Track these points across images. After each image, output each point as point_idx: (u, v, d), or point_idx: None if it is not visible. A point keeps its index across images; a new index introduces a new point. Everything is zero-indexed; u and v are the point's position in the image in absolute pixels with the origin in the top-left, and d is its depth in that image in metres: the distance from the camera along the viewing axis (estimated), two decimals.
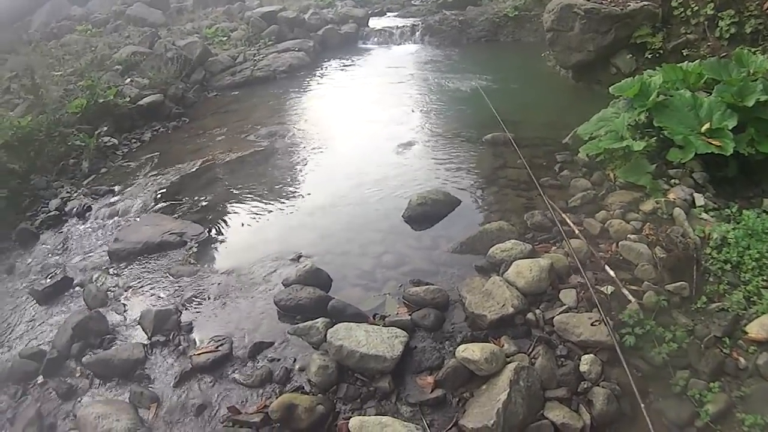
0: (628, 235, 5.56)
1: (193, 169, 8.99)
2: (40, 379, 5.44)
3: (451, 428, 4.17)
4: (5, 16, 21.07)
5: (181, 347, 5.31)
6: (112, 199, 8.53)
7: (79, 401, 5.08)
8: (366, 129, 9.78)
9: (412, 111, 10.51)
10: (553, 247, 5.71)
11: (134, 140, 10.77)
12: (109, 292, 6.30)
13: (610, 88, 7.25)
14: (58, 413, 5.07)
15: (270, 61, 14.24)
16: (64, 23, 19.67)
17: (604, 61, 10.39)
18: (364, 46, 16.10)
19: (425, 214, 6.68)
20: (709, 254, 5.16)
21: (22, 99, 11.73)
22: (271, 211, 7.43)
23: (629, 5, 10.15)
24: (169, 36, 15.80)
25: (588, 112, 7.45)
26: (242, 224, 7.24)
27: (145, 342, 5.47)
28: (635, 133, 6.59)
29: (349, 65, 14.38)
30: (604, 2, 10.35)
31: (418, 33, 16.07)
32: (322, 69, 14.15)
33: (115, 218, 7.98)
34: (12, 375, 5.55)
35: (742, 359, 4.38)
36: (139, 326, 5.69)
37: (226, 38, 15.96)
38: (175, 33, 16.41)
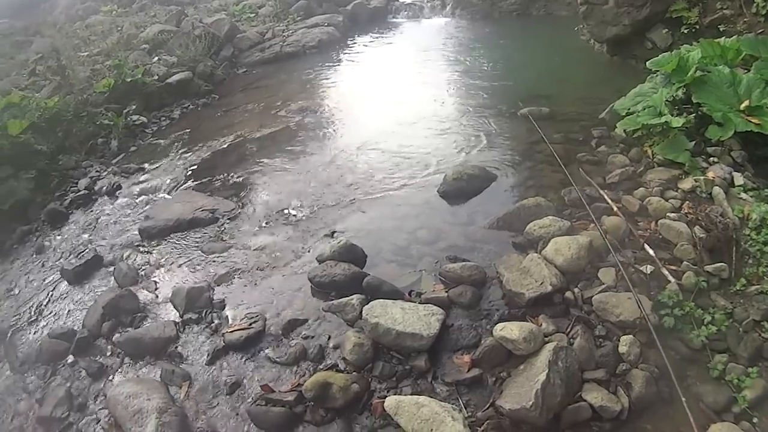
0: (668, 214, 5.43)
1: (224, 146, 8.98)
2: (71, 358, 5.46)
3: (487, 409, 4.10)
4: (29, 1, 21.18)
5: (213, 325, 5.28)
6: (142, 177, 8.53)
7: (110, 380, 5.09)
8: (397, 103, 9.64)
9: (445, 85, 10.34)
10: (591, 225, 5.56)
11: (163, 118, 10.78)
12: (140, 270, 6.29)
13: (647, 63, 7.11)
14: (89, 393, 5.08)
15: (299, 36, 14.12)
16: (89, 4, 19.70)
17: (640, 35, 10.16)
18: (393, 20, 15.91)
19: (461, 189, 6.56)
20: (749, 235, 5.04)
21: (49, 80, 11.82)
22: (303, 187, 7.34)
23: None
24: (196, 14, 15.74)
25: (624, 86, 7.34)
26: (274, 200, 7.15)
27: (177, 320, 5.45)
28: (673, 109, 6.43)
29: (379, 40, 14.25)
30: None
31: (448, 6, 15.80)
32: (351, 44, 14.03)
33: (146, 196, 7.97)
34: (42, 355, 5.57)
35: None
36: (170, 304, 5.68)
37: (253, 15, 15.85)
38: (201, 11, 16.38)
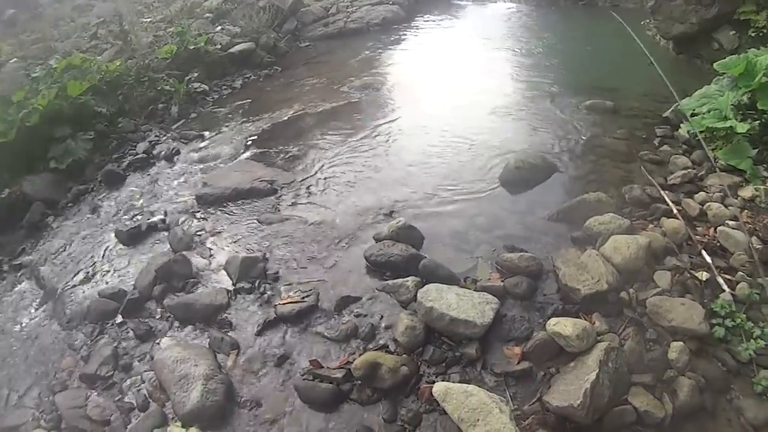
0: (727, 221, 5.35)
1: (285, 118, 9.00)
2: (119, 319, 5.55)
3: (534, 403, 4.11)
4: None
5: (265, 296, 5.33)
6: (201, 144, 8.59)
7: (158, 343, 5.15)
8: (460, 87, 9.52)
9: (506, 72, 10.22)
10: (651, 225, 5.51)
11: (225, 87, 10.83)
12: (195, 236, 6.35)
13: (714, 64, 6.93)
14: (135, 354, 5.16)
15: (363, 13, 14.04)
16: None
17: (707, 35, 9.94)
18: (459, 2, 15.64)
19: (522, 178, 6.50)
20: None
21: (110, 44, 11.97)
22: (363, 164, 7.32)
23: None
24: None
25: (689, 86, 7.22)
26: (334, 175, 7.14)
27: (229, 288, 5.49)
28: (738, 114, 6.32)
29: (444, 21, 14.06)
30: None
31: None
32: (415, 24, 13.88)
33: (204, 163, 8.02)
34: (90, 314, 5.67)
35: None
36: (223, 272, 5.73)
37: None
38: None
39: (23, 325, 6.03)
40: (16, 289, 6.64)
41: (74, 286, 6.25)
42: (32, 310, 6.21)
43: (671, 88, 3.97)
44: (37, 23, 16.95)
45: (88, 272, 6.40)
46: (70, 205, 7.80)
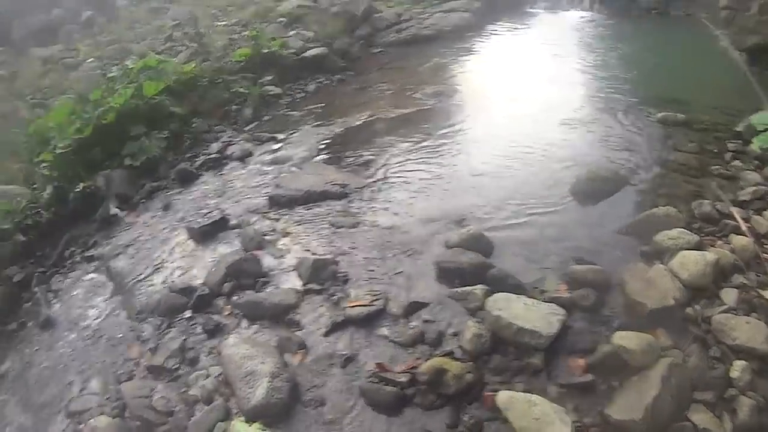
0: None
1: (357, 123, 9.05)
2: (188, 313, 5.68)
3: (595, 415, 4.10)
4: None
5: (334, 298, 5.37)
6: (274, 146, 8.70)
7: (225, 339, 5.21)
8: (531, 97, 9.46)
9: (578, 82, 10.18)
10: (719, 242, 5.45)
11: (298, 90, 10.93)
12: (266, 237, 6.44)
13: None
14: (202, 348, 5.28)
15: (436, 20, 14.04)
16: None
17: None
18: (531, 10, 15.52)
19: (593, 190, 6.45)
20: None
21: (185, 46, 12.23)
22: (434, 172, 7.31)
23: None
24: None
25: (763, 100, 7.04)
26: (405, 181, 7.16)
27: (299, 289, 5.56)
28: None
29: (516, 29, 14.00)
30: None
31: (587, 0, 15.51)
32: (487, 31, 13.79)
33: (277, 165, 8.10)
34: (160, 307, 5.83)
35: None
36: (294, 272, 5.79)
37: None
38: None
39: (93, 315, 6.25)
40: (87, 280, 6.89)
41: (144, 279, 6.45)
42: (102, 302, 6.42)
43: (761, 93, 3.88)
44: (113, 25, 17.47)
45: (158, 267, 6.59)
46: (143, 201, 8.02)
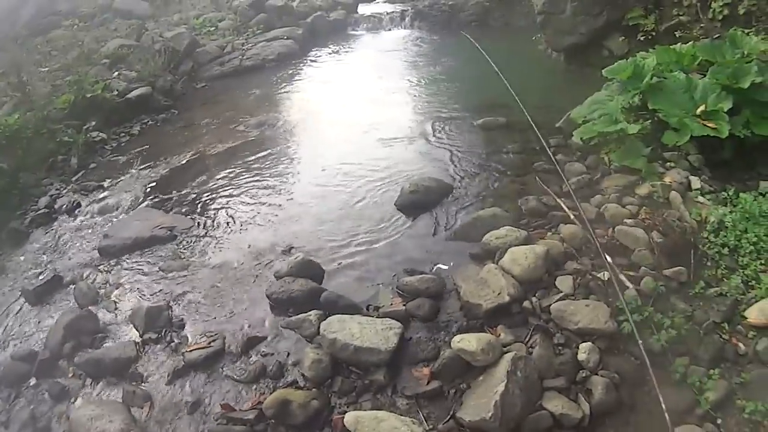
0: (625, 220, 5.54)
1: (183, 162, 8.95)
2: (33, 381, 5.44)
3: (448, 421, 4.14)
4: None
5: (173, 344, 5.29)
6: (102, 195, 8.48)
7: (73, 402, 5.07)
8: (355, 116, 9.69)
9: (402, 98, 10.42)
10: (549, 233, 5.65)
11: (123, 134, 10.65)
12: (100, 290, 6.28)
13: (603, 71, 7.18)
14: (52, 415, 5.07)
15: (259, 50, 14.05)
16: (51, 18, 19.51)
17: (597, 43, 10.31)
18: (353, 32, 15.82)
19: (418, 201, 6.62)
20: (706, 238, 5.15)
21: (9, 97, 11.63)
22: (261, 203, 7.37)
23: None
24: (157, 28, 15.61)
25: (581, 95, 7.41)
26: (233, 216, 7.17)
27: (137, 339, 5.44)
28: (629, 116, 6.54)
29: (339, 52, 14.22)
30: None
31: (407, 18, 15.81)
32: (311, 57, 13.98)
33: (105, 214, 7.93)
34: (5, 378, 5.55)
35: (741, 345, 4.38)
36: (130, 323, 5.66)
37: (214, 28, 15.73)
38: (162, 24, 16.19)
39: None
40: None
41: None
42: None
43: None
44: None
45: None
46: None
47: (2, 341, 6.14)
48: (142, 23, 15.94)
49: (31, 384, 5.41)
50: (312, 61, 13.66)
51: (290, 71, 12.92)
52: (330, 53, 14.10)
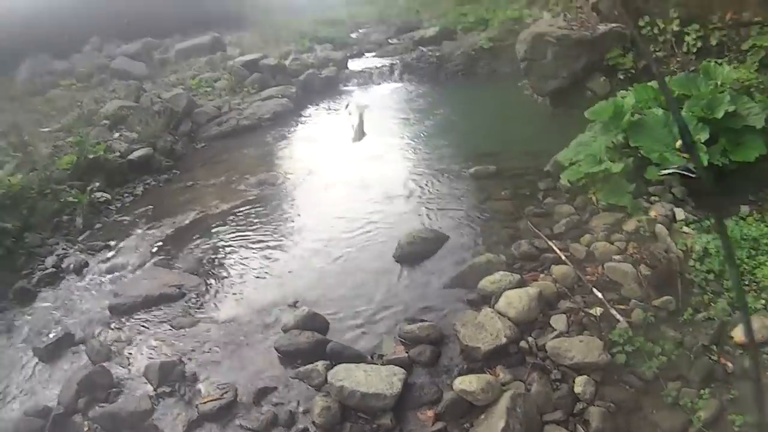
0: (613, 256, 5.77)
1: (187, 221, 9.11)
2: None
3: None
4: None
5: (186, 397, 5.42)
6: (109, 255, 8.62)
7: None
8: (351, 173, 9.91)
9: (395, 151, 10.68)
10: (542, 275, 5.89)
11: (127, 195, 10.83)
12: (112, 347, 6.39)
13: (585, 113, 7.43)
14: None
15: (254, 109, 14.26)
16: (48, 78, 19.74)
17: (580, 85, 10.58)
18: (345, 88, 16.06)
19: (415, 252, 6.87)
20: (693, 266, 5.38)
21: (11, 157, 11.79)
22: (265, 259, 7.57)
23: (599, 29, 10.41)
24: (155, 88, 15.88)
25: (567, 137, 7.65)
26: (238, 273, 7.35)
27: (152, 393, 5.55)
28: (614, 155, 6.76)
29: (332, 108, 14.45)
30: (574, 28, 10.58)
31: (396, 72, 16.13)
32: (306, 114, 14.21)
33: (113, 273, 8.06)
34: None
35: (729, 363, 4.60)
36: (144, 378, 5.77)
37: (210, 88, 16.00)
38: (159, 85, 16.53)
39: None
40: None
41: None
42: None
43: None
44: None
45: (10, 391, 6.35)
46: None
47: (14, 397, 6.23)
48: (139, 84, 16.17)
49: None
50: (306, 118, 13.89)
51: (286, 129, 13.15)
52: (323, 110, 14.36)
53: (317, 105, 14.63)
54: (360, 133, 11.70)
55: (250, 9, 27.70)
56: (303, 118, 13.86)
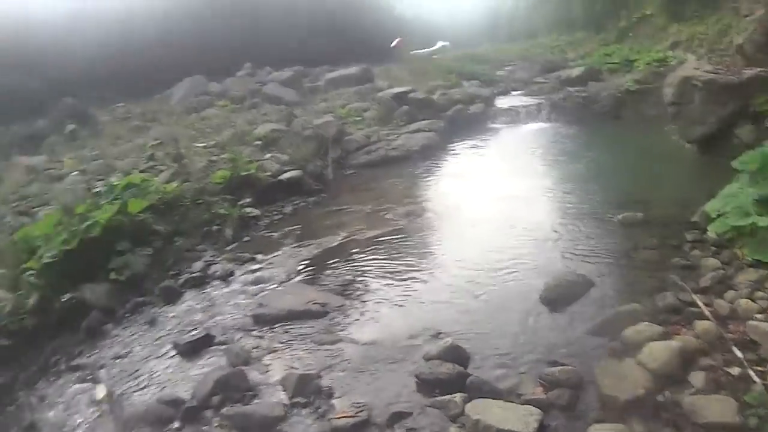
0: (755, 315, 5.63)
1: (334, 244, 9.33)
2: (176, 425, 5.75)
3: None
4: (146, 88, 22.75)
5: (320, 410, 5.51)
6: (255, 267, 8.93)
7: None
8: (498, 209, 9.95)
9: (542, 192, 10.67)
10: (684, 329, 5.79)
11: (275, 212, 11.22)
12: (251, 353, 6.61)
13: (732, 163, 7.30)
14: None
15: (403, 140, 14.52)
16: (203, 98, 20.87)
17: (727, 132, 10.32)
18: (492, 125, 16.21)
19: (561, 295, 6.85)
20: None
21: (167, 166, 12.51)
22: (410, 288, 7.63)
23: (745, 73, 10.12)
24: (305, 115, 16.36)
25: (716, 186, 7.55)
26: (381, 299, 7.44)
27: (286, 402, 5.70)
28: (762, 209, 6.58)
29: (479, 145, 14.50)
30: (720, 72, 10.28)
31: (543, 112, 16.24)
32: (453, 149, 14.28)
33: (259, 285, 8.33)
34: (147, 418, 5.90)
35: None
36: (280, 387, 5.94)
37: (359, 118, 16.37)
38: (309, 112, 17.02)
39: (78, 422, 6.29)
40: (73, 388, 6.93)
41: (131, 391, 6.52)
42: (88, 410, 6.46)
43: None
44: (96, 140, 17.98)
45: (145, 379, 6.69)
46: (127, 315, 8.16)
47: (149, 385, 6.54)
48: (290, 109, 16.79)
49: (174, 427, 5.73)
50: (453, 153, 14.00)
51: (432, 163, 13.27)
52: (471, 146, 14.42)
53: (464, 141, 14.70)
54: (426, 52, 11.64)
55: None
56: (450, 154, 13.96)
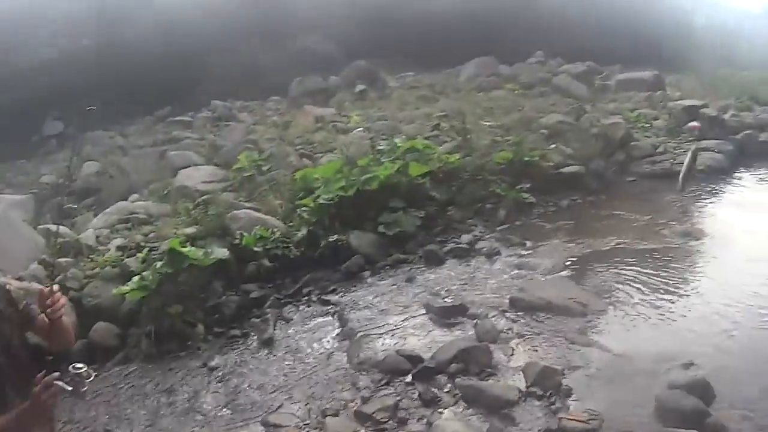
0: None
1: (604, 248, 9.19)
2: (409, 378, 6.12)
3: None
4: (436, 61, 24.20)
5: (553, 407, 5.51)
6: (522, 252, 9.11)
7: (440, 413, 5.58)
8: None
9: None
10: None
11: (551, 204, 11.21)
12: (501, 333, 6.77)
13: None
14: (415, 414, 5.66)
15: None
16: (492, 79, 21.21)
17: None
18: None
19: None
20: None
21: (451, 138, 12.94)
22: (669, 310, 7.28)
23: None
24: (594, 112, 16.09)
25: None
26: (641, 313, 7.18)
27: (522, 389, 5.76)
28: None
29: (765, 179, 13.24)
30: None
31: None
32: (738, 175, 13.35)
33: (522, 270, 8.46)
34: (383, 364, 6.35)
35: None
36: (521, 373, 6.01)
37: (648, 125, 15.83)
38: (598, 110, 16.69)
39: (314, 349, 6.98)
40: (317, 318, 7.68)
41: (373, 336, 7.01)
42: (327, 342, 7.14)
43: None
44: (383, 102, 19.11)
45: (389, 329, 7.15)
46: (387, 267, 8.76)
47: (391, 336, 7.00)
48: (580, 104, 16.57)
49: (406, 380, 6.09)
50: (738, 181, 13.04)
51: (717, 186, 12.49)
52: (758, 177, 13.33)
53: (752, 170, 13.67)
54: (687, 177, 11.03)
55: (693, 53, 27.26)
56: (735, 180, 13.05)
